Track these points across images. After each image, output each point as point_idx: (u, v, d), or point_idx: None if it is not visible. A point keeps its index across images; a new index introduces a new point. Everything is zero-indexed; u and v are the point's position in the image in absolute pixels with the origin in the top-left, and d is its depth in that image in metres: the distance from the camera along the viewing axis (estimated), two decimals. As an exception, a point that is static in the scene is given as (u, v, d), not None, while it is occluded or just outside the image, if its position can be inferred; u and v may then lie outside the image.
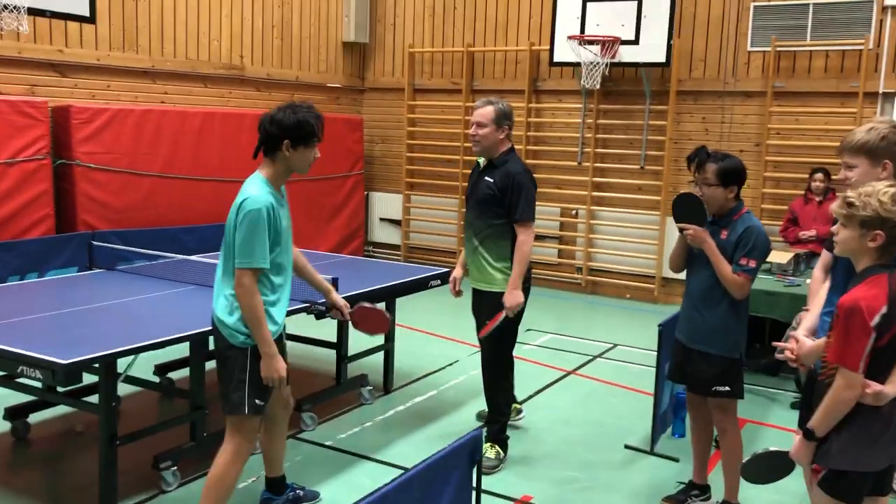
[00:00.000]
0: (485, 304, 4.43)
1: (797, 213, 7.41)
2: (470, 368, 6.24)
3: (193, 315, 4.09)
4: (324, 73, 10.34)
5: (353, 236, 10.45)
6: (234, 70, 9.19)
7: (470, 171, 4.62)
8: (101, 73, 7.97)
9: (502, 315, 4.30)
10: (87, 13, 6.87)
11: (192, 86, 8.79)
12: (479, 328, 4.54)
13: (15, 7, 5.77)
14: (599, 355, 6.87)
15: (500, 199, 4.22)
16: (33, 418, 4.72)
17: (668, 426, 5.16)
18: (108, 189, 7.76)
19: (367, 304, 3.94)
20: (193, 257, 5.48)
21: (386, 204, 10.88)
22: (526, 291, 4.42)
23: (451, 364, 6.38)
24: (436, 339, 7.14)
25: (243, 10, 9.24)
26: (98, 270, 5.37)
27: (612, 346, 7.19)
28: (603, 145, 9.31)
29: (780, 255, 6.74)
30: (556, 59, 8.98)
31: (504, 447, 4.57)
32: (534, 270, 4.91)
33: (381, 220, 10.92)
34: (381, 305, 4.18)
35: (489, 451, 4.46)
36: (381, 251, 10.82)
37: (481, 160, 4.46)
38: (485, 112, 4.23)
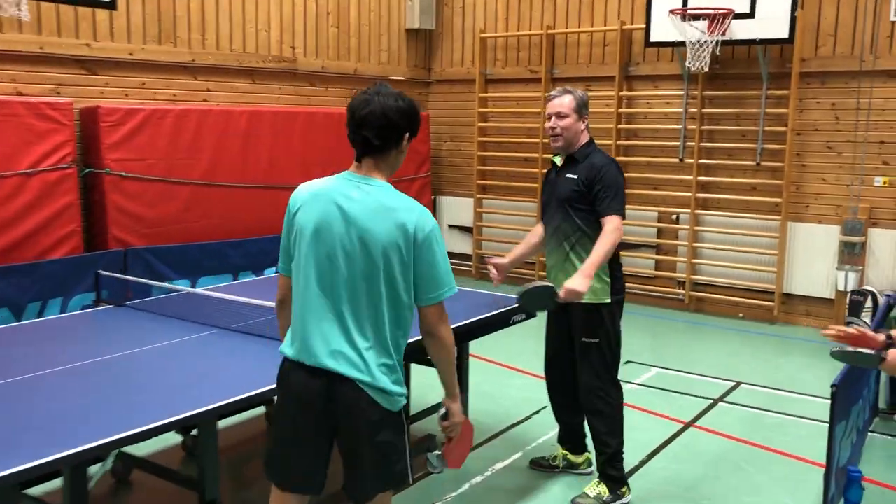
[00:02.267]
0: (583, 316, 3.90)
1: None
2: (562, 418, 5.07)
3: (206, 377, 3.06)
4: (385, 64, 9.27)
5: (420, 246, 9.36)
6: (285, 63, 8.20)
7: (543, 177, 4.19)
8: (135, 69, 7.07)
9: (547, 285, 3.68)
10: (106, -4, 5.92)
11: (237, 81, 7.84)
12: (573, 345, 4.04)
13: (10, -11, 4.84)
14: (721, 398, 5.59)
15: (587, 196, 3.79)
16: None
17: (834, 511, 3.89)
18: (142, 200, 6.87)
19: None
20: (208, 291, 4.40)
21: (455, 209, 9.76)
22: (618, 305, 3.94)
23: (537, 412, 5.21)
24: (515, 375, 5.98)
25: (294, -5, 8.24)
26: (105, 307, 4.39)
27: (734, 384, 5.90)
28: (709, 138, 7.97)
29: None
30: (654, 38, 7.69)
31: (617, 484, 3.98)
32: (626, 284, 4.07)
33: (451, 227, 9.80)
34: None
35: (592, 489, 4.00)
36: (451, 262, 9.69)
37: (558, 159, 4.00)
38: (565, 101, 3.84)
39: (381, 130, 2.43)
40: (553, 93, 3.91)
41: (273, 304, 2.75)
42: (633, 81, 8.40)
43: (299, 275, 2.52)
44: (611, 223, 3.69)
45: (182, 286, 7.14)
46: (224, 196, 7.38)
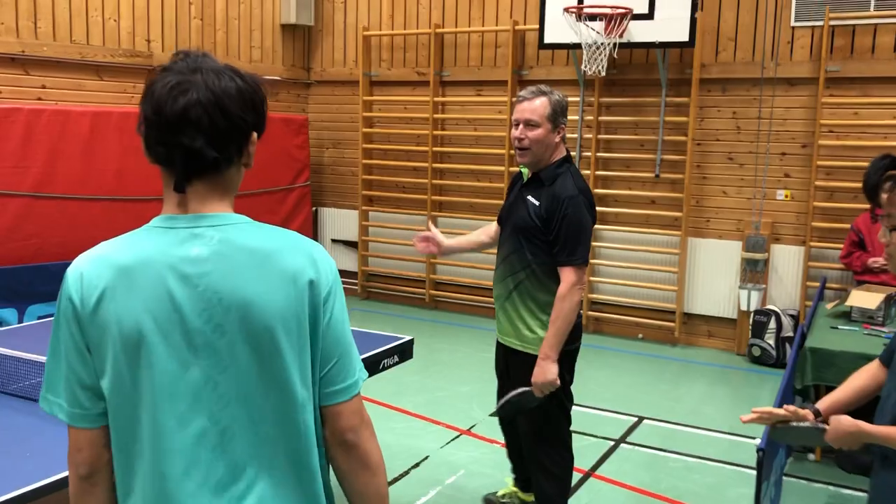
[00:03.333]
0: (520, 370, 3.35)
1: (863, 234, 5.63)
2: (449, 469, 4.38)
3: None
4: (258, 62, 8.39)
5: (299, 262, 8.52)
6: (139, 58, 7.22)
7: (508, 185, 3.62)
8: (-54, 59, 5.97)
9: (522, 390, 3.27)
10: None
11: (80, 78, 6.81)
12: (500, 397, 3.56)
13: None
14: (623, 439, 5.02)
15: (543, 230, 3.20)
16: None
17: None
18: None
19: None
20: None
21: (339, 222, 8.97)
22: (576, 352, 3.39)
23: (418, 464, 4.49)
24: (395, 416, 5.25)
25: (149, -18, 7.27)
26: None
27: (636, 420, 5.35)
28: (606, 148, 7.48)
29: (864, 298, 4.96)
30: (548, 39, 7.13)
31: None
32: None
33: (334, 241, 9.00)
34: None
35: None
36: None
37: (525, 170, 3.37)
38: (537, 107, 3.16)
39: (215, 133, 1.46)
40: (522, 93, 3.23)
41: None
42: (526, 86, 7.79)
43: (133, 418, 1.45)
44: (567, 280, 3.13)
45: (6, 316, 6.11)
46: (62, 210, 6.36)
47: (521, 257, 3.26)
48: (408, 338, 3.97)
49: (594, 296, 7.59)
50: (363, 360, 3.52)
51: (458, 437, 4.88)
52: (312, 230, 8.83)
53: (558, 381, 3.18)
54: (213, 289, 1.45)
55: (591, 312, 7.60)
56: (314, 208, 8.90)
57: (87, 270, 1.45)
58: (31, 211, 6.19)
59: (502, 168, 7.77)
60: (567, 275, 3.13)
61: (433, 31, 8.07)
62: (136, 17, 7.18)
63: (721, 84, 6.94)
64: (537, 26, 7.24)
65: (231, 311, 1.45)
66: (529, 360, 3.26)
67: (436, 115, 8.10)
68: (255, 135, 1.54)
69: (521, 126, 3.19)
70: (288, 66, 8.74)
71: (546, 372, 3.15)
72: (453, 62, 8.16)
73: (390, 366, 3.78)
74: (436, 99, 8.08)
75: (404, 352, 3.91)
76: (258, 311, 1.45)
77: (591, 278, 7.55)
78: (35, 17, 6.46)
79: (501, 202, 7.55)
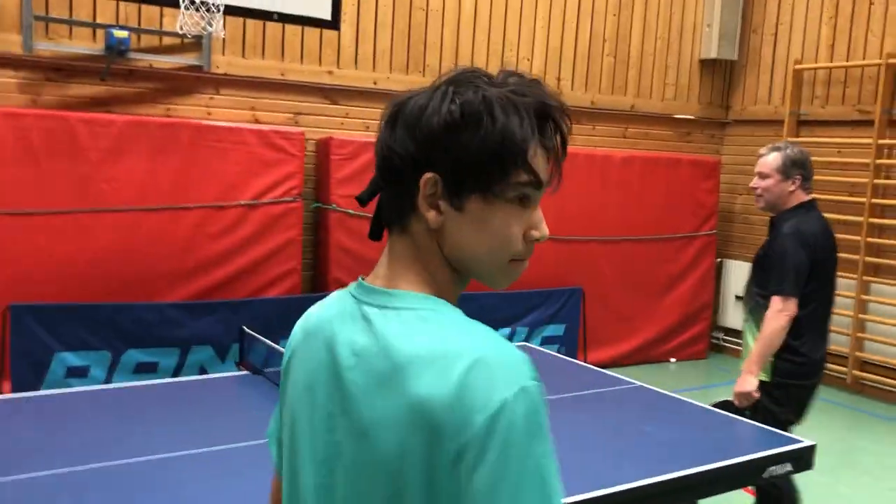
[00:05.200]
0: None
1: None
2: None
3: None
4: (670, 101, 7.86)
5: (695, 318, 7.77)
6: (548, 96, 7.19)
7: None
8: (378, 98, 6.53)
9: (725, 399, 3.56)
10: (328, 16, 5.38)
11: (490, 115, 6.98)
12: None
13: (204, 2, 4.36)
14: None
15: (768, 267, 3.50)
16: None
17: None
18: (370, 242, 6.25)
19: None
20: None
21: (745, 277, 7.95)
22: (803, 392, 3.48)
23: None
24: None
25: (565, 19, 7.21)
26: (244, 373, 3.63)
27: None
28: None
29: None
30: None
31: None
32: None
33: (738, 298, 8.02)
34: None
35: None
36: (734, 341, 7.90)
37: None
38: (768, 160, 3.56)
39: (385, 164, 1.10)
40: (762, 150, 3.64)
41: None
42: None
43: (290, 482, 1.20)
44: (772, 306, 3.39)
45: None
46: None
47: (752, 289, 3.55)
48: (807, 442, 3.09)
49: (862, 354, 5.79)
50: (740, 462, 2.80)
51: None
52: (715, 283, 8.00)
53: (755, 394, 3.37)
54: (349, 393, 1.07)
55: (856, 372, 5.72)
56: (718, 259, 8.05)
57: (298, 324, 1.27)
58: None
59: (967, 229, 6.14)
60: (773, 302, 3.36)
61: (885, 62, 6.72)
62: (549, 55, 7.18)
63: None
64: None
65: (347, 438, 1.05)
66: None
67: (879, 161, 6.72)
68: (430, 175, 1.04)
69: (755, 178, 3.56)
70: (703, 105, 8.06)
71: (743, 383, 3.42)
72: (908, 98, 6.71)
73: (778, 475, 2.96)
74: (881, 141, 6.71)
75: (799, 459, 3.04)
76: (366, 451, 1.01)
77: (859, 334, 5.74)
78: (456, 59, 6.77)
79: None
